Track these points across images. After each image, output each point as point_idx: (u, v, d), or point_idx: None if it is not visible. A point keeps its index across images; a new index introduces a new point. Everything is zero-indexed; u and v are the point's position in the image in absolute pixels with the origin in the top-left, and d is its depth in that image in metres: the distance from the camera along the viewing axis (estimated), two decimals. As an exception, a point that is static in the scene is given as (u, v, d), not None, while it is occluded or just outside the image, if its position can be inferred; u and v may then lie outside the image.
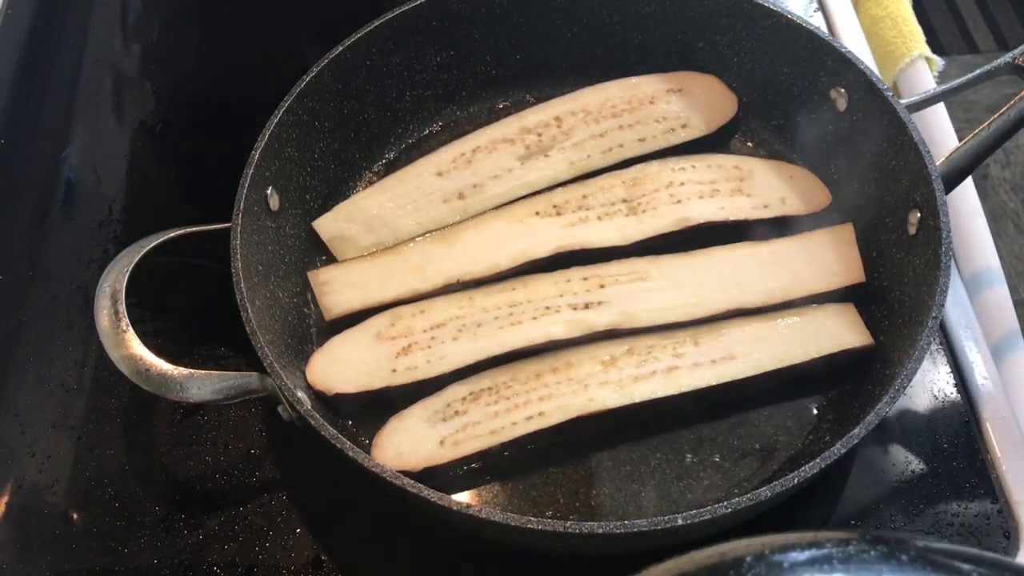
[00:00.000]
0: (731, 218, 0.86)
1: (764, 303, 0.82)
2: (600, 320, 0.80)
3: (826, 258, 0.84)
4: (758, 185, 0.88)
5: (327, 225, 0.87)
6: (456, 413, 0.77)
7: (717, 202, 0.87)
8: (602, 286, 0.82)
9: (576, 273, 0.83)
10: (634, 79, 0.94)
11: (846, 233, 0.85)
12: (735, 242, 0.85)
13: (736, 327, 0.80)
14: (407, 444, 0.75)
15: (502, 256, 0.84)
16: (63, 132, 1.00)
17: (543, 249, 0.84)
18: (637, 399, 0.77)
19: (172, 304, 0.88)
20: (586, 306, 0.81)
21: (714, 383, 0.78)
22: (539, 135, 0.91)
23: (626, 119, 0.92)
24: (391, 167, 0.94)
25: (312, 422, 0.68)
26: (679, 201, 0.87)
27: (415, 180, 0.89)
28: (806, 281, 0.83)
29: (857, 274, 0.83)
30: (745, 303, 0.81)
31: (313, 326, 0.83)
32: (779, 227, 0.87)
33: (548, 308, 0.81)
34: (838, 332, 0.80)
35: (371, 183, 0.93)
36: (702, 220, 0.86)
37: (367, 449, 0.75)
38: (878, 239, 0.83)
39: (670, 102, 0.93)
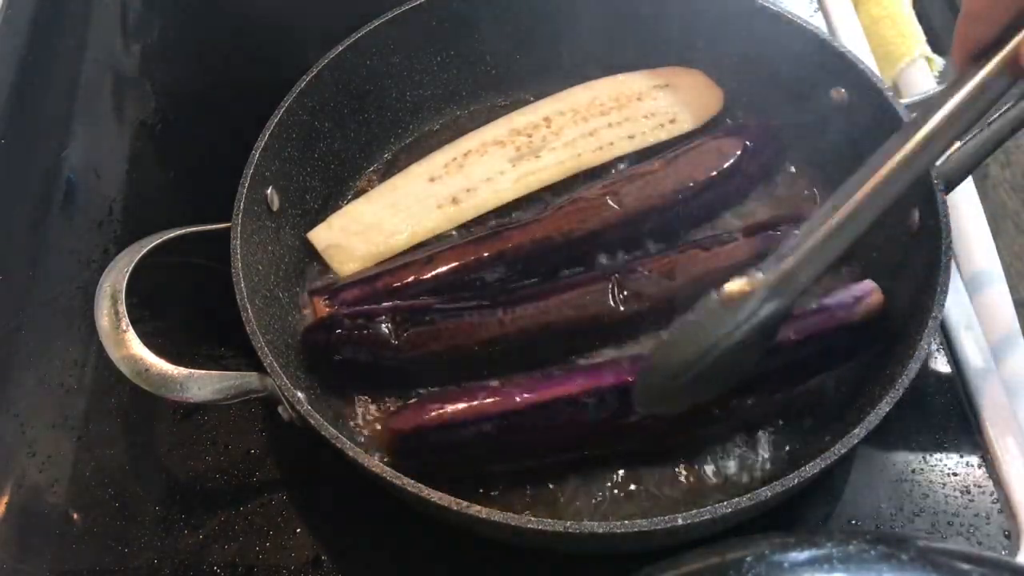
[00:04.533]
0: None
1: None
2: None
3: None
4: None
5: (321, 236, 0.87)
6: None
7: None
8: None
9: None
10: (621, 76, 0.94)
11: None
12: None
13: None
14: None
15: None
16: (63, 132, 1.00)
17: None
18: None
19: (172, 304, 0.88)
20: None
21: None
22: (529, 136, 0.91)
23: (615, 116, 0.92)
24: (391, 167, 0.94)
25: (312, 422, 0.68)
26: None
27: (408, 187, 0.89)
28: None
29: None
30: None
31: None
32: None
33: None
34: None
35: (371, 183, 0.93)
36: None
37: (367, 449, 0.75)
38: (878, 238, 0.83)
39: (657, 98, 0.93)
